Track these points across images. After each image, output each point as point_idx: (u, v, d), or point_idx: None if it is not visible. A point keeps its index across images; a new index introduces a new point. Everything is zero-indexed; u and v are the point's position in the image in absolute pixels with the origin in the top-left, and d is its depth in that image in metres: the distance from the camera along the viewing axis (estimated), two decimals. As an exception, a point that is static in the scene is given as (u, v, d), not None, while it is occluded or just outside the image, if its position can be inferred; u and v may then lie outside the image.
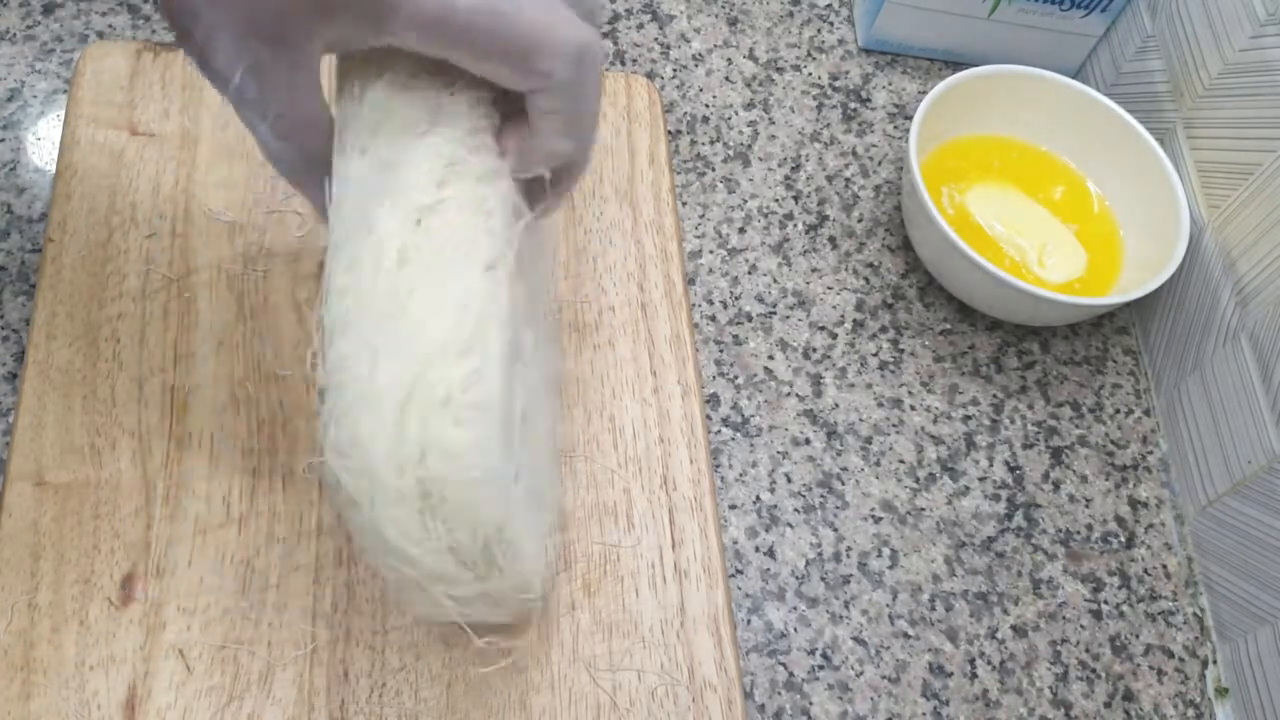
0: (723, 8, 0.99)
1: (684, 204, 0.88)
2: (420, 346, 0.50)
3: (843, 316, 0.86)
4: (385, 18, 0.49)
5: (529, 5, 0.49)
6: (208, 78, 0.52)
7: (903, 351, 0.85)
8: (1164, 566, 0.81)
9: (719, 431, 0.79)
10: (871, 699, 0.72)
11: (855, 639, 0.74)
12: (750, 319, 0.84)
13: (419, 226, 0.51)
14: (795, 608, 0.74)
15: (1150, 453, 0.85)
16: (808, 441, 0.80)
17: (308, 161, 0.55)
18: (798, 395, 0.82)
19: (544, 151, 0.54)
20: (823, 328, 0.85)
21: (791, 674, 0.72)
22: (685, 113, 0.93)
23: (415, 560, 0.53)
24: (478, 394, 0.50)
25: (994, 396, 0.85)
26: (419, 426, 0.49)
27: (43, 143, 0.81)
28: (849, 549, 0.77)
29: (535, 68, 0.50)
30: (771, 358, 0.83)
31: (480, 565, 0.54)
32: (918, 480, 0.80)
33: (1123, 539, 0.81)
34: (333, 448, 0.51)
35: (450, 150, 0.53)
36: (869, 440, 0.81)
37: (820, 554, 0.76)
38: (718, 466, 0.78)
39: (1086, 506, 0.82)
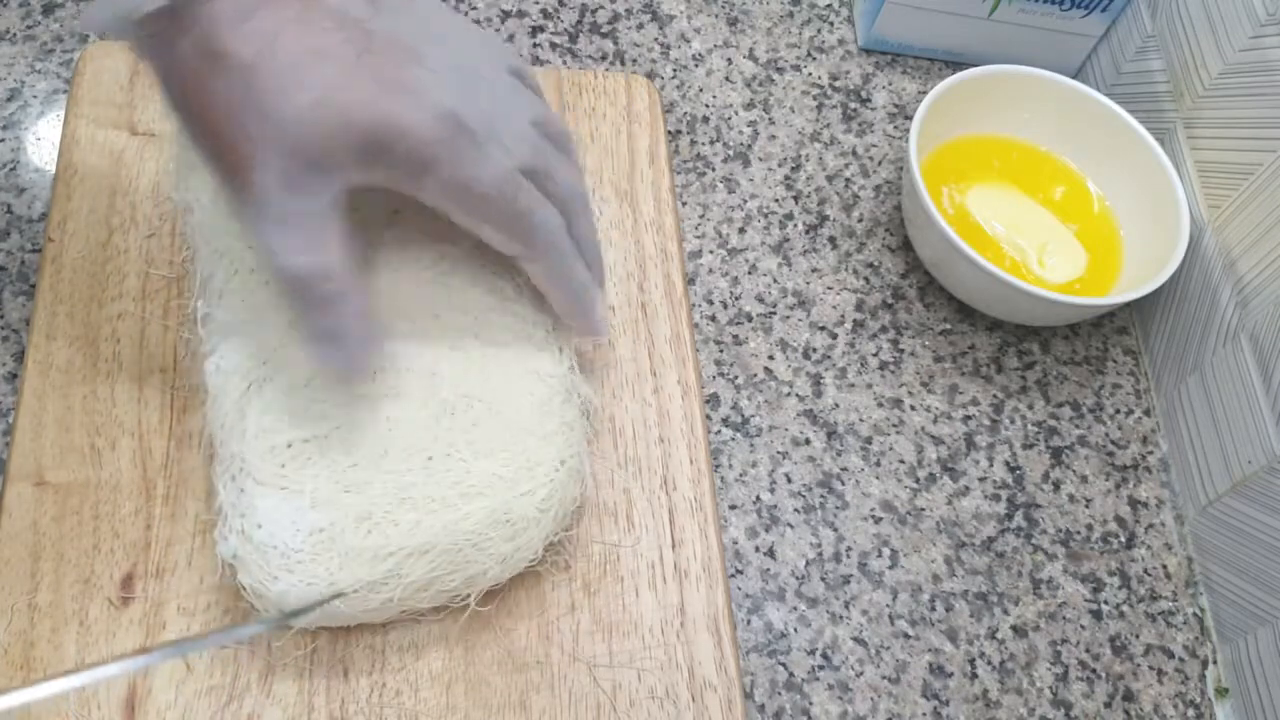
0: (723, 8, 0.99)
1: (684, 204, 0.88)
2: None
3: (843, 316, 0.86)
4: (420, 171, 0.59)
5: (523, 187, 0.62)
6: (238, 200, 0.58)
7: (903, 351, 0.85)
8: (1164, 566, 0.81)
9: (719, 431, 0.79)
10: (871, 699, 0.72)
11: (855, 639, 0.74)
12: (750, 319, 0.84)
13: None
14: (795, 608, 0.74)
15: (1150, 453, 0.85)
16: (808, 441, 0.80)
17: (318, 276, 0.59)
18: (798, 395, 0.82)
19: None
20: (823, 328, 0.85)
21: (791, 674, 0.72)
22: (685, 113, 0.93)
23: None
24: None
25: (994, 396, 0.85)
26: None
27: (43, 143, 0.81)
28: (849, 549, 0.77)
29: (515, 236, 0.64)
30: (771, 358, 0.83)
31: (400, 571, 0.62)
32: (918, 480, 0.80)
33: (1123, 539, 0.81)
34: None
35: None
36: (869, 440, 0.81)
37: (820, 554, 0.76)
38: (718, 466, 0.78)
39: (1086, 506, 0.82)
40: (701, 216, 0.88)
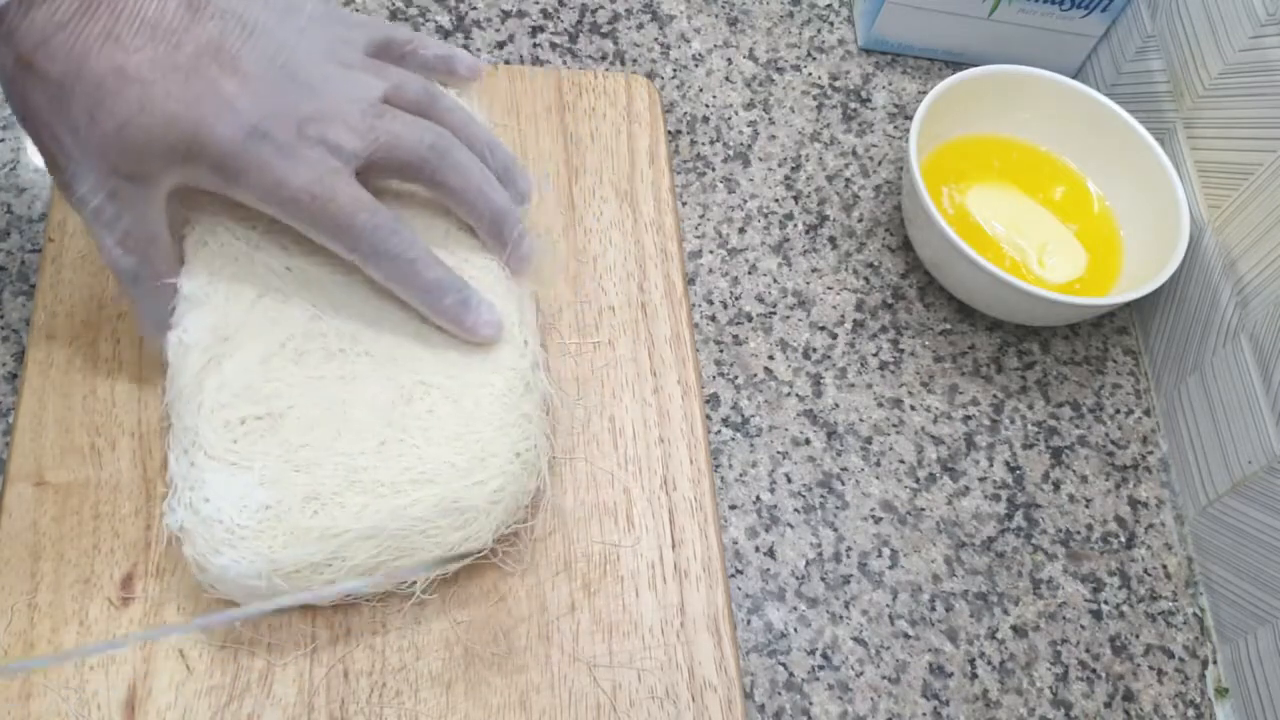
0: (723, 8, 0.99)
1: (684, 204, 0.88)
2: None
3: (843, 316, 0.86)
4: (231, 180, 0.62)
5: (341, 188, 0.62)
6: (68, 199, 0.62)
7: (903, 351, 0.85)
8: (1164, 566, 0.81)
9: (719, 431, 0.79)
10: (871, 699, 0.72)
11: (855, 639, 0.74)
12: (750, 319, 0.84)
13: None
14: (795, 608, 0.74)
15: (1150, 453, 0.85)
16: (808, 441, 0.80)
17: (144, 271, 0.64)
18: (798, 395, 0.82)
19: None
20: (823, 328, 0.85)
21: (791, 674, 0.72)
22: (685, 113, 0.93)
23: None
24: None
25: (994, 396, 0.85)
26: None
27: (43, 143, 0.81)
28: (849, 549, 0.77)
29: (338, 239, 0.64)
30: (771, 358, 0.83)
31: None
32: (918, 480, 0.80)
33: (1123, 539, 0.81)
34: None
35: None
36: (869, 440, 0.81)
37: (820, 554, 0.76)
38: (718, 466, 0.78)
39: (1086, 506, 0.82)
40: (701, 216, 0.88)
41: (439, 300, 0.66)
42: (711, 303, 0.84)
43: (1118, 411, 0.86)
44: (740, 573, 0.75)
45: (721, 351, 0.83)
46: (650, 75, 0.94)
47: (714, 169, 0.91)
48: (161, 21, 0.59)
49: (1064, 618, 0.78)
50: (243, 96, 0.60)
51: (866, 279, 0.88)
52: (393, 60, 0.70)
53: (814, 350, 0.84)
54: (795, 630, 0.74)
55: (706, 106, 0.94)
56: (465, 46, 0.91)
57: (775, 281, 0.86)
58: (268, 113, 0.61)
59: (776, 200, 0.90)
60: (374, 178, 0.65)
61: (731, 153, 0.92)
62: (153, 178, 0.62)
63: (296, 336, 0.66)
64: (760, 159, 0.92)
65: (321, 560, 0.62)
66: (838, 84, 0.98)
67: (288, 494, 0.62)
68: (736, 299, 0.85)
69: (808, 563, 0.76)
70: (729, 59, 0.97)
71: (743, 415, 0.80)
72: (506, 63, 0.91)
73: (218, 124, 0.60)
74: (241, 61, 0.61)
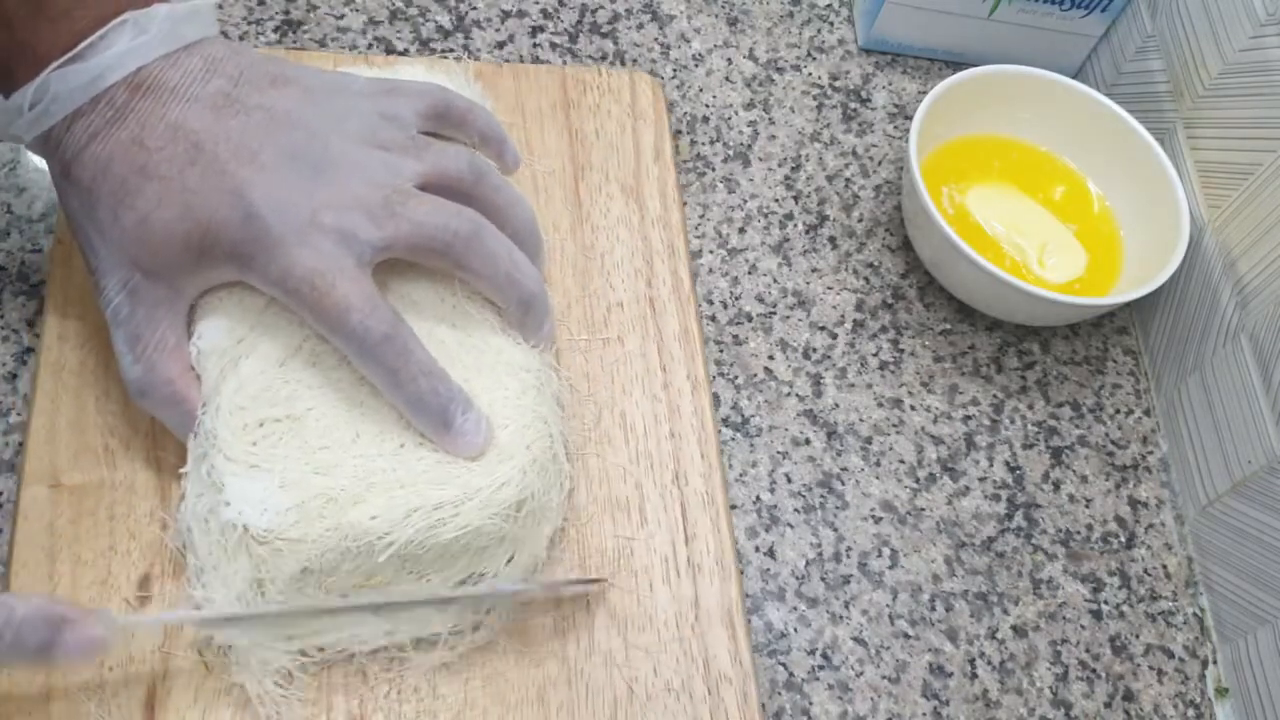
0: (723, 8, 0.99)
1: (684, 204, 0.88)
2: None
3: (843, 316, 0.86)
4: (245, 266, 0.63)
5: (341, 283, 0.62)
6: (96, 293, 0.65)
7: (903, 351, 0.86)
8: (1164, 566, 0.81)
9: (719, 431, 0.79)
10: (871, 699, 0.73)
11: (855, 639, 0.74)
12: (750, 319, 0.85)
13: None
14: (795, 608, 0.75)
15: (1150, 453, 0.86)
16: (808, 441, 0.81)
17: (151, 381, 0.65)
18: (798, 395, 0.82)
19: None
20: (823, 328, 0.85)
21: (791, 674, 0.72)
22: (685, 113, 0.93)
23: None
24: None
25: (994, 396, 0.85)
26: None
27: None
28: (849, 549, 0.77)
29: (331, 335, 0.63)
30: (771, 358, 0.83)
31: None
32: (918, 480, 0.81)
33: (1123, 539, 0.82)
34: None
35: None
36: (869, 440, 0.82)
37: (820, 554, 0.77)
38: (720, 466, 0.78)
39: (1086, 506, 0.82)
40: (702, 216, 0.88)
41: (417, 415, 0.65)
42: (711, 303, 0.85)
43: (1118, 411, 0.87)
44: (740, 573, 0.75)
45: (721, 351, 0.83)
46: (650, 75, 0.94)
47: (714, 169, 0.91)
48: (185, 123, 0.62)
49: (1064, 618, 0.78)
50: (258, 186, 0.62)
51: (866, 279, 0.88)
52: (452, 125, 0.71)
53: (814, 350, 0.84)
54: (795, 630, 0.74)
55: (706, 106, 0.94)
56: (465, 46, 0.91)
57: (775, 281, 0.87)
58: (281, 201, 0.62)
59: (776, 200, 0.90)
60: (406, 258, 0.66)
61: (731, 153, 0.92)
62: (171, 275, 0.63)
63: (312, 339, 0.66)
64: (760, 159, 0.92)
65: (349, 568, 0.62)
66: (838, 84, 0.98)
67: (308, 496, 0.62)
68: (736, 299, 0.85)
69: (808, 563, 0.76)
70: (729, 59, 0.97)
71: (743, 415, 0.81)
72: (508, 61, 0.91)
73: (231, 212, 0.61)
74: (261, 154, 0.62)
